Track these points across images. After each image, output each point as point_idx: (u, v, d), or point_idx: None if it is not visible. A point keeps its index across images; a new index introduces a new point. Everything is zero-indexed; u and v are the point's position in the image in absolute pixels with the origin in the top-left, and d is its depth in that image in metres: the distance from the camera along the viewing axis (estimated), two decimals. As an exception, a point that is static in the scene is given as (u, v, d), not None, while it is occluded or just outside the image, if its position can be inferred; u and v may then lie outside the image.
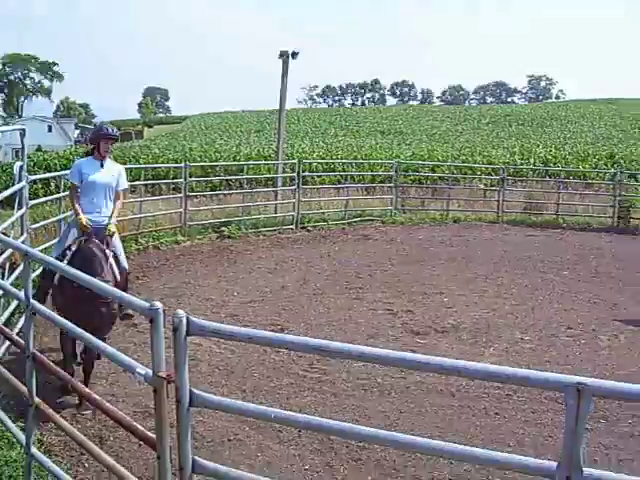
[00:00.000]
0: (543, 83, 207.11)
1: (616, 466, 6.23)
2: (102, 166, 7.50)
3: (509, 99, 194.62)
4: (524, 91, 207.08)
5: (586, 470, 2.89)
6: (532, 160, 34.20)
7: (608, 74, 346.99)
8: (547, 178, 27.19)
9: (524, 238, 18.66)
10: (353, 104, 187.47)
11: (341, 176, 23.71)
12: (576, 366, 8.86)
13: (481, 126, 69.73)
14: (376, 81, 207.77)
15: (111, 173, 7.51)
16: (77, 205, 7.43)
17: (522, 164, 32.34)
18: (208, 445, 6.30)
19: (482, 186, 25.17)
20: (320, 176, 24.49)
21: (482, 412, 7.43)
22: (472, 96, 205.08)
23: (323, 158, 30.90)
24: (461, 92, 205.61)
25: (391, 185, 22.04)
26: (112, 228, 7.45)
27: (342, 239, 18.05)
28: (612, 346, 10.03)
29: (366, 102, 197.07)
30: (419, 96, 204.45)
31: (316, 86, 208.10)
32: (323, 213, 20.06)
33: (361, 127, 69.42)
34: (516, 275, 14.17)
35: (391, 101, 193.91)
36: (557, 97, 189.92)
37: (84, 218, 7.27)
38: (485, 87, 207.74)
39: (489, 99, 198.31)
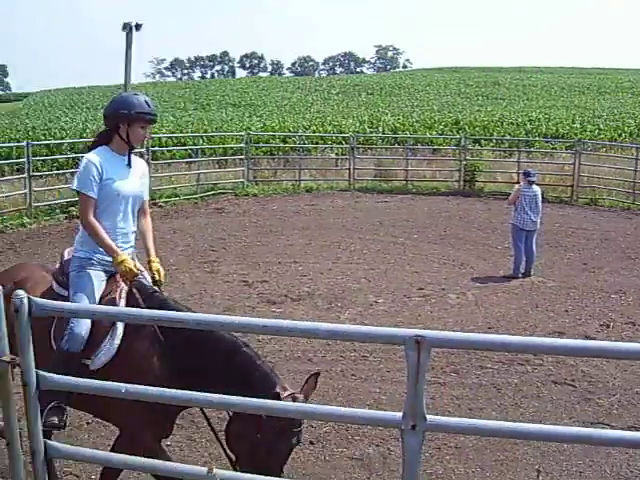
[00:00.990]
0: (390, 53, 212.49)
1: (468, 414, 6.49)
2: (130, 165, 4.79)
3: (358, 69, 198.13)
4: (372, 61, 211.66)
5: (430, 417, 2.95)
6: (381, 128, 34.85)
7: (452, 43, 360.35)
8: (396, 146, 27.85)
9: (375, 204, 19.04)
10: (202, 77, 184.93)
11: (192, 150, 23.26)
12: (427, 324, 9.17)
13: (331, 96, 70.46)
14: (225, 53, 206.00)
15: (139, 175, 4.86)
16: (105, 235, 4.58)
17: (372, 132, 32.92)
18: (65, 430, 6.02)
19: (333, 155, 25.42)
20: (170, 150, 23.90)
21: (339, 375, 7.55)
22: (322, 67, 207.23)
23: (173, 132, 30.14)
24: (310, 63, 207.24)
25: (242, 157, 21.86)
26: (160, 269, 4.77)
27: (195, 213, 17.76)
28: (461, 304, 10.46)
29: (215, 75, 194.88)
30: (269, 68, 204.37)
31: (164, 59, 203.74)
32: (175, 188, 19.64)
33: (211, 100, 68.41)
34: (368, 241, 14.44)
35: (241, 73, 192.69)
36: (404, 66, 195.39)
37: (129, 259, 4.57)
38: (334, 58, 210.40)
39: (338, 70, 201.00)
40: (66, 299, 4.49)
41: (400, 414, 2.98)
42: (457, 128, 34.57)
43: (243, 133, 23.80)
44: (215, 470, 3.27)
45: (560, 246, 14.22)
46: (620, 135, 35.95)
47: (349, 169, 21.97)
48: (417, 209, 18.42)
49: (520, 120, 39.24)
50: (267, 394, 3.75)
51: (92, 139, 4.95)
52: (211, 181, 20.77)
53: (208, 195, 19.77)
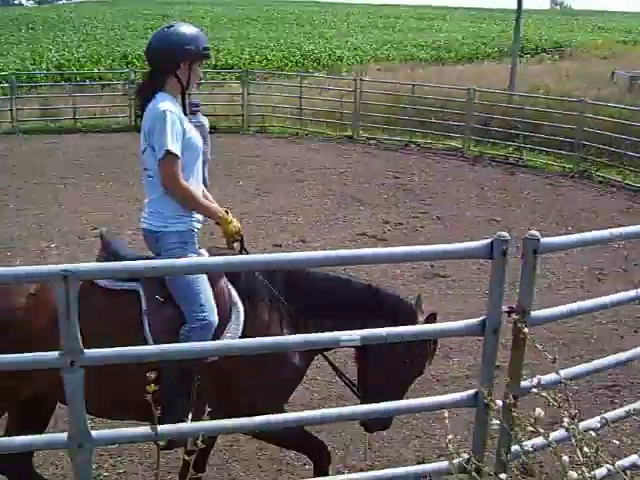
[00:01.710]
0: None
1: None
2: (185, 112, 3.97)
3: (16, 1, 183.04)
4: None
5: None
6: (45, 65, 32.80)
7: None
8: (62, 83, 26.33)
9: (44, 146, 17.92)
10: None
11: None
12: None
13: (-13, 32, 64.52)
14: None
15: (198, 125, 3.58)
16: (202, 198, 4.02)
17: (35, 70, 30.81)
18: None
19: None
20: None
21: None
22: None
23: None
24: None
25: None
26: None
27: None
28: (136, 239, 10.29)
29: None
30: None
31: None
32: None
33: None
34: (37, 185, 13.59)
35: None
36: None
37: (231, 217, 4.06)
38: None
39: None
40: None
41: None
42: (126, 62, 33.61)
43: None
44: None
45: (234, 174, 14.58)
46: (286, 65, 37.55)
47: (11, 110, 20.34)
48: (87, 148, 17.64)
49: (190, 52, 39.17)
50: (411, 317, 3.94)
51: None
52: None
53: None
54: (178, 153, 3.75)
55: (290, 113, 20.77)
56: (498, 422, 2.25)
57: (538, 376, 2.79)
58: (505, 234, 3.12)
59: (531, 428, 2.23)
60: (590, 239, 3.38)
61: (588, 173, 15.13)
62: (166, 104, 3.79)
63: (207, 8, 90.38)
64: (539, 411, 2.26)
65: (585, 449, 2.36)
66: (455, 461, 2.60)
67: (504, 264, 3.12)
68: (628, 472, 2.22)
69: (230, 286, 3.94)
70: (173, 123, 3.74)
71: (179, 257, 3.72)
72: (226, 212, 4.07)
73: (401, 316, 3.91)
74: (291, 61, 38.66)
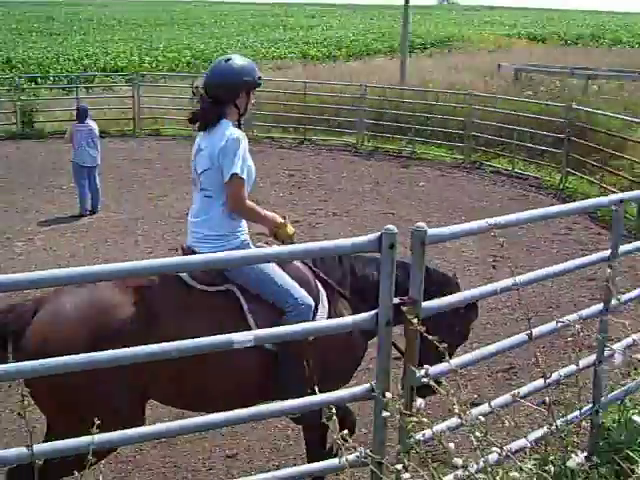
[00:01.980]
0: None
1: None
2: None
3: None
4: None
5: None
6: None
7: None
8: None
9: None
10: None
11: None
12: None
13: None
14: None
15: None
16: (263, 212, 4.26)
17: None
18: None
19: None
20: None
21: None
22: None
23: None
24: None
25: None
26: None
27: None
28: (29, 250, 9.98)
29: None
30: None
31: None
32: None
33: None
34: None
35: None
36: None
37: (287, 222, 4.34)
38: None
39: None
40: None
41: None
42: (10, 67, 32.40)
43: None
44: None
45: (126, 179, 14.27)
46: (177, 66, 37.06)
47: None
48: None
49: (77, 55, 38.20)
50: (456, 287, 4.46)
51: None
52: None
53: None
54: (245, 177, 4.05)
55: (183, 115, 20.43)
56: (388, 414, 2.27)
57: (426, 366, 2.83)
58: (392, 227, 3.14)
59: (415, 419, 2.24)
60: (476, 228, 3.45)
61: (479, 163, 15.59)
62: (237, 131, 4.11)
63: (92, 9, 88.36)
64: (420, 401, 2.28)
65: (477, 433, 2.40)
66: (351, 456, 2.60)
67: (393, 257, 3.15)
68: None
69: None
70: (244, 150, 4.06)
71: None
72: (284, 218, 4.34)
73: (445, 286, 4.29)
74: (182, 62, 38.17)
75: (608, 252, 4.48)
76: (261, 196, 12.69)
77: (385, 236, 3.13)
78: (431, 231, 3.24)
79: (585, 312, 4.47)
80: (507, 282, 3.48)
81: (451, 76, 22.58)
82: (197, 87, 4.32)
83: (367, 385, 3.34)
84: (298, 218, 11.29)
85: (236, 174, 3.99)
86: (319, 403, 3.38)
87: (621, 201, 4.42)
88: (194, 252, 4.06)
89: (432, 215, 11.53)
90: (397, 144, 17.40)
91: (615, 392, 4.97)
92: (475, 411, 2.56)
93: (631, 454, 2.33)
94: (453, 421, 3.06)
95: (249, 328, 3.82)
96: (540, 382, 3.37)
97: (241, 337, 3.14)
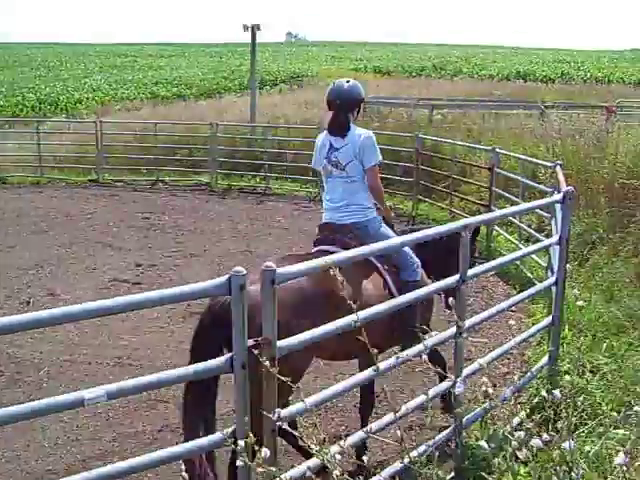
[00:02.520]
0: None
1: None
2: None
3: None
4: None
5: None
6: None
7: None
8: None
9: None
10: None
11: None
12: None
13: None
14: None
15: None
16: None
17: None
18: None
19: None
20: None
21: None
22: None
23: None
24: None
25: None
26: None
27: None
28: None
29: None
30: None
31: None
32: None
33: None
34: None
35: None
36: None
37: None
38: None
39: None
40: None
41: None
42: None
43: None
44: None
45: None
46: (22, 110, 35.74)
47: None
48: None
49: None
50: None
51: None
52: None
53: None
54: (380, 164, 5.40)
55: (29, 161, 19.67)
56: (241, 463, 2.19)
57: (277, 409, 2.79)
58: (241, 269, 3.10)
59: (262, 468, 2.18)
60: (329, 262, 3.46)
61: (333, 196, 15.82)
62: (366, 130, 5.43)
63: None
64: (265, 451, 2.23)
65: (336, 472, 2.37)
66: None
67: (243, 299, 3.10)
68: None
69: None
70: (375, 142, 5.34)
71: (384, 231, 5.36)
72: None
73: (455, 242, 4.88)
74: (26, 106, 36.82)
75: (457, 276, 4.65)
76: (117, 241, 12.38)
77: (234, 278, 3.09)
78: (281, 270, 3.23)
79: (439, 337, 4.59)
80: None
81: (302, 111, 22.97)
82: (329, 100, 5.38)
83: (229, 430, 3.26)
84: (154, 262, 11.04)
85: (375, 164, 5.28)
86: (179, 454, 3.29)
87: (465, 227, 4.62)
88: (339, 225, 5.26)
89: (290, 249, 11.56)
90: (251, 181, 17.47)
91: (475, 411, 5.13)
92: (334, 448, 2.53)
93: (497, 462, 2.37)
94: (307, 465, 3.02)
95: (387, 282, 5.06)
96: (390, 416, 3.38)
97: (92, 394, 2.99)
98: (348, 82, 5.43)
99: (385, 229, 5.38)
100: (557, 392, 2.33)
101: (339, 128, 5.30)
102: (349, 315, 3.45)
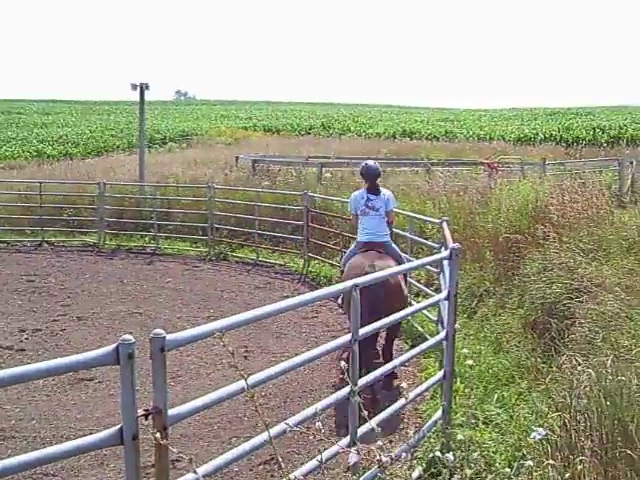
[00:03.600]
0: None
1: None
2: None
3: None
4: None
5: None
6: None
7: None
8: None
9: None
10: None
11: None
12: None
13: None
14: None
15: None
16: None
17: None
18: None
19: None
20: None
21: None
22: None
23: None
24: None
25: None
26: None
27: None
28: None
29: None
30: None
31: None
32: None
33: None
34: None
35: None
36: None
37: None
38: None
39: None
40: None
41: None
42: None
43: None
44: None
45: None
46: None
47: None
48: None
49: None
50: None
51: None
52: None
53: None
54: None
55: None
56: None
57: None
58: (129, 337, 3.00)
59: None
60: (216, 328, 3.40)
61: (224, 255, 15.75)
62: (389, 191, 8.88)
63: None
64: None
65: None
66: None
67: (132, 368, 3.00)
68: None
69: None
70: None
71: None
72: None
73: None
74: None
75: (349, 336, 4.68)
76: (-1, 305, 11.80)
77: (122, 347, 2.98)
78: (170, 336, 3.14)
79: (332, 398, 4.59)
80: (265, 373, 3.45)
81: (191, 170, 22.90)
82: (366, 174, 8.60)
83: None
84: (39, 326, 10.58)
85: (392, 209, 8.71)
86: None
87: (356, 285, 4.67)
88: (383, 243, 8.37)
89: (181, 310, 11.39)
90: (141, 241, 17.17)
91: (372, 470, 5.11)
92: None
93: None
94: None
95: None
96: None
97: None
98: (375, 163, 8.84)
99: (394, 245, 8.69)
100: (450, 455, 2.34)
101: (376, 190, 8.47)
102: None
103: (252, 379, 3.71)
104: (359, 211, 8.40)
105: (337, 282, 11.89)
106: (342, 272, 9.27)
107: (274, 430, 3.87)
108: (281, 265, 14.74)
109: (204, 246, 16.27)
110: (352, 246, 8.78)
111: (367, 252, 8.10)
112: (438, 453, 2.55)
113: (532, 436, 2.73)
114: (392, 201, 8.55)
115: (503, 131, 49.16)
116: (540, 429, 2.70)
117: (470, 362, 5.38)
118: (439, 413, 6.16)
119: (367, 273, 6.39)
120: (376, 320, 5.34)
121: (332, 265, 13.49)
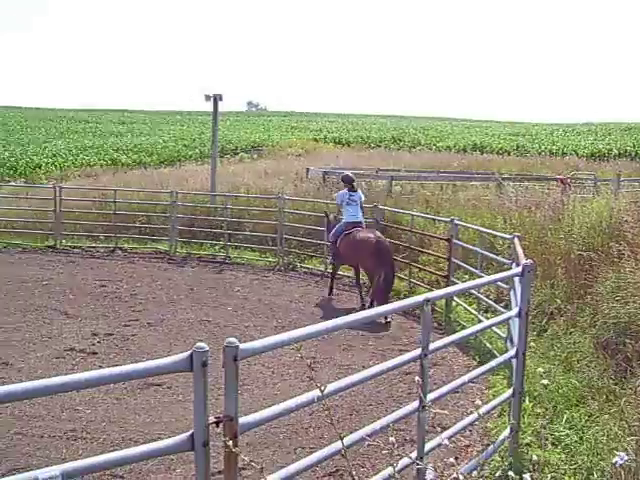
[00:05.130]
0: None
1: None
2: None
3: None
4: None
5: None
6: None
7: None
8: None
9: None
10: None
11: None
12: None
13: None
14: None
15: None
16: None
17: None
18: None
19: None
20: None
21: None
22: None
23: None
24: None
25: None
26: None
27: None
28: None
29: None
30: None
31: None
32: None
33: None
34: None
35: None
36: None
37: None
38: None
39: None
40: None
41: None
42: None
43: None
44: None
45: None
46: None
47: None
48: None
49: None
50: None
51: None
52: None
53: None
54: None
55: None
56: None
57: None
58: (203, 345, 3.05)
59: None
60: (287, 340, 3.43)
61: (292, 265, 15.85)
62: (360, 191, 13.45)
63: None
64: None
65: None
66: None
67: (205, 376, 3.05)
68: None
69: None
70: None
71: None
72: None
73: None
74: (-15, 172, 36.51)
75: (419, 351, 4.64)
76: (73, 309, 12.12)
77: (196, 354, 3.03)
78: (243, 346, 3.18)
79: (402, 411, 4.55)
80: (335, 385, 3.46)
81: (262, 180, 23.12)
82: (343, 180, 12.99)
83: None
84: (111, 331, 10.83)
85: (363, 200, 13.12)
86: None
87: (428, 300, 4.64)
88: (359, 222, 12.59)
89: (249, 319, 11.50)
90: (211, 250, 17.42)
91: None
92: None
93: None
94: None
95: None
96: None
97: (46, 474, 2.89)
98: (350, 173, 13.33)
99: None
100: (527, 476, 2.31)
101: (354, 189, 12.68)
102: None
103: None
104: (344, 202, 12.66)
105: (406, 296, 11.98)
106: (333, 242, 12.80)
107: (346, 441, 3.87)
108: (349, 277, 14.75)
109: (273, 256, 16.41)
110: (338, 225, 12.77)
111: (358, 229, 12.37)
112: (511, 473, 2.51)
113: (614, 461, 2.66)
114: (362, 196, 13.03)
115: (576, 146, 48.26)
116: (622, 453, 2.62)
117: (545, 382, 5.25)
118: (507, 432, 6.06)
119: (377, 240, 11.91)
120: (385, 263, 11.82)
121: (400, 278, 13.40)
